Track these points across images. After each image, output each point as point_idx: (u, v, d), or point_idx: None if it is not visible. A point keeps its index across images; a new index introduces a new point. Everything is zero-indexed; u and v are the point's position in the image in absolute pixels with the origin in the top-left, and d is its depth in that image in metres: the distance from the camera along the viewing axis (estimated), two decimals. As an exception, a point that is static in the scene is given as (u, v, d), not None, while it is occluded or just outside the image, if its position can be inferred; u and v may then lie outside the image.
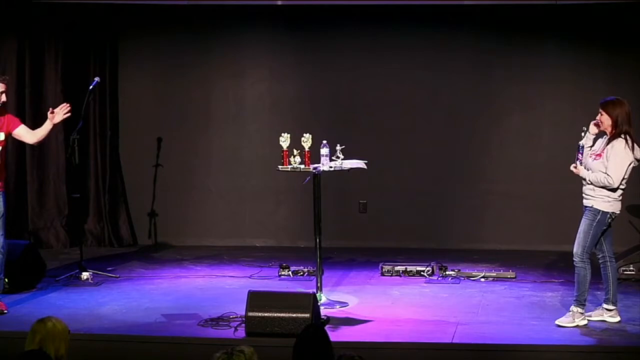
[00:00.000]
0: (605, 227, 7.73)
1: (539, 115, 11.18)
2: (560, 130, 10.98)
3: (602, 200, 7.65)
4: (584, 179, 7.70)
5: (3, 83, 8.33)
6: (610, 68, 10.88)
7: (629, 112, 7.64)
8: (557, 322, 7.79)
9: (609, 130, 7.67)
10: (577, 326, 7.73)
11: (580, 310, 7.77)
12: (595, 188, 7.64)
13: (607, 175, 7.55)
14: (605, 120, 7.66)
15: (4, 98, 8.34)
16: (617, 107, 7.63)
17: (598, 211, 7.66)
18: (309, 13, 11.25)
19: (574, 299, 7.81)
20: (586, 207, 7.73)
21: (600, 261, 7.88)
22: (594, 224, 7.68)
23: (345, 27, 11.28)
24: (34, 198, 11.29)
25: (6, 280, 8.94)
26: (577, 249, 7.74)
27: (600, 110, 7.68)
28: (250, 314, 7.46)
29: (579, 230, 7.75)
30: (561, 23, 10.92)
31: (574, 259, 7.76)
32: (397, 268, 9.73)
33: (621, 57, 10.89)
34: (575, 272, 7.79)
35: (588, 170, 7.68)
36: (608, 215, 7.68)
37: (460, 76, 11.22)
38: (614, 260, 7.91)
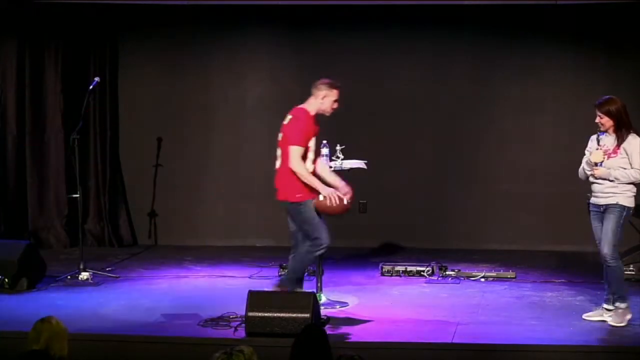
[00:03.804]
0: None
1: (539, 115, 11.17)
2: (560, 131, 10.99)
3: (625, 196, 7.66)
4: (607, 179, 7.66)
5: (337, 90, 8.02)
6: (610, 68, 10.88)
7: (624, 106, 7.68)
8: (610, 323, 7.74)
9: (612, 129, 7.68)
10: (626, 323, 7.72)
11: (624, 305, 7.75)
12: (619, 185, 7.64)
13: (638, 169, 7.58)
14: (606, 121, 7.68)
15: (335, 105, 8.08)
16: (612, 105, 7.67)
17: (623, 207, 7.65)
18: (309, 13, 11.25)
19: (617, 296, 7.75)
20: (608, 205, 7.67)
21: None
22: (621, 221, 7.68)
23: (345, 27, 11.28)
24: (34, 198, 11.29)
25: (6, 280, 8.95)
26: (607, 249, 7.68)
27: (598, 113, 7.70)
28: (250, 314, 7.46)
29: (604, 231, 7.68)
30: (561, 23, 10.92)
31: (606, 259, 7.70)
32: (397, 268, 9.73)
33: (621, 57, 10.89)
34: (609, 272, 7.73)
35: (608, 169, 7.67)
36: (631, 210, 7.71)
37: (460, 76, 11.22)
38: (620, 260, 7.88)
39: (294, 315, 7.36)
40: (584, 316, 7.91)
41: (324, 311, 7.97)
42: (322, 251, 7.98)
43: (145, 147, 11.56)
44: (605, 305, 7.88)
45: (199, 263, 10.47)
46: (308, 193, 7.87)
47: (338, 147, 8.50)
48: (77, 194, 9.77)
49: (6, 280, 8.95)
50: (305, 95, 11.41)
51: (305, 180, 7.83)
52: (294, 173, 7.85)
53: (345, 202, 7.82)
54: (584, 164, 7.79)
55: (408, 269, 9.70)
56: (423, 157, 11.31)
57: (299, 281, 8.05)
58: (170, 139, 11.55)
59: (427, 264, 9.72)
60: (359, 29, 11.26)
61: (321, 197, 7.82)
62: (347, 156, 8.59)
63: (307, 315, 7.35)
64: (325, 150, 8.41)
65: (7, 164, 11.18)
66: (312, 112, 8.03)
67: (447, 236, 11.19)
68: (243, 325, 7.57)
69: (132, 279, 9.70)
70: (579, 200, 11.00)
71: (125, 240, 11.54)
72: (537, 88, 11.13)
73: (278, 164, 8.07)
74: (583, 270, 9.82)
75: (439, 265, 9.69)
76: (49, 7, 10.97)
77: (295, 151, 7.84)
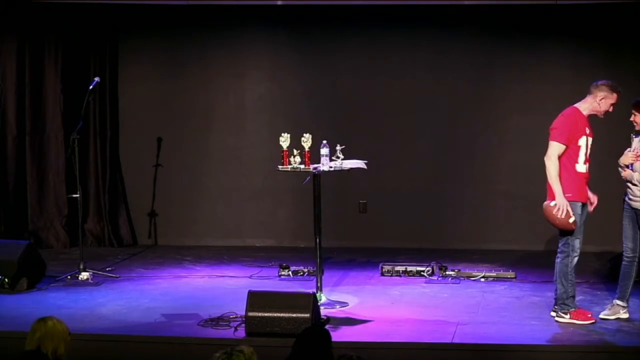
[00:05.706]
0: None
1: (539, 115, 11.13)
2: (560, 130, 10.96)
3: None
4: (631, 182, 7.67)
5: (618, 94, 7.78)
6: (610, 68, 10.86)
7: None
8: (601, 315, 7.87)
9: None
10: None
11: (622, 303, 7.90)
12: None
13: None
14: None
15: (611, 109, 7.77)
16: None
17: None
18: (309, 13, 11.25)
19: (621, 293, 7.88)
20: (637, 210, 7.69)
21: (628, 259, 7.84)
22: None
23: (345, 27, 11.28)
24: (34, 198, 11.29)
25: (6, 280, 8.95)
26: (631, 244, 7.77)
27: (634, 112, 7.68)
28: (250, 314, 7.47)
29: (635, 229, 7.73)
30: (561, 23, 10.92)
31: (626, 253, 7.79)
32: (397, 268, 9.73)
33: (621, 57, 10.88)
34: (624, 267, 7.82)
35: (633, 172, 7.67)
36: None
37: (460, 76, 11.22)
38: (635, 261, 7.89)
39: (294, 315, 7.37)
40: (601, 316, 7.89)
41: (324, 311, 7.97)
42: (574, 258, 7.71)
43: (145, 147, 11.56)
44: (620, 302, 7.86)
45: (199, 263, 10.47)
46: (576, 194, 7.69)
47: (338, 147, 8.49)
48: (77, 194, 9.76)
49: (6, 280, 8.95)
50: (306, 95, 11.48)
51: (549, 179, 7.67)
52: (565, 171, 7.67)
53: (570, 221, 7.59)
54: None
55: (408, 269, 9.70)
56: (423, 157, 11.31)
57: (572, 297, 7.79)
58: (170, 139, 11.55)
59: (427, 264, 9.72)
60: (359, 29, 11.26)
61: (552, 203, 7.64)
62: (347, 156, 8.58)
63: (307, 315, 7.35)
64: (325, 150, 8.41)
65: (7, 164, 11.18)
66: (585, 112, 7.82)
67: (447, 236, 11.19)
68: (243, 325, 7.58)
69: (132, 279, 9.70)
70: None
71: (125, 240, 11.54)
72: (537, 88, 11.12)
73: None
74: (583, 271, 9.81)
75: (439, 265, 9.69)
76: (48, 6, 10.98)
77: (552, 146, 7.67)
